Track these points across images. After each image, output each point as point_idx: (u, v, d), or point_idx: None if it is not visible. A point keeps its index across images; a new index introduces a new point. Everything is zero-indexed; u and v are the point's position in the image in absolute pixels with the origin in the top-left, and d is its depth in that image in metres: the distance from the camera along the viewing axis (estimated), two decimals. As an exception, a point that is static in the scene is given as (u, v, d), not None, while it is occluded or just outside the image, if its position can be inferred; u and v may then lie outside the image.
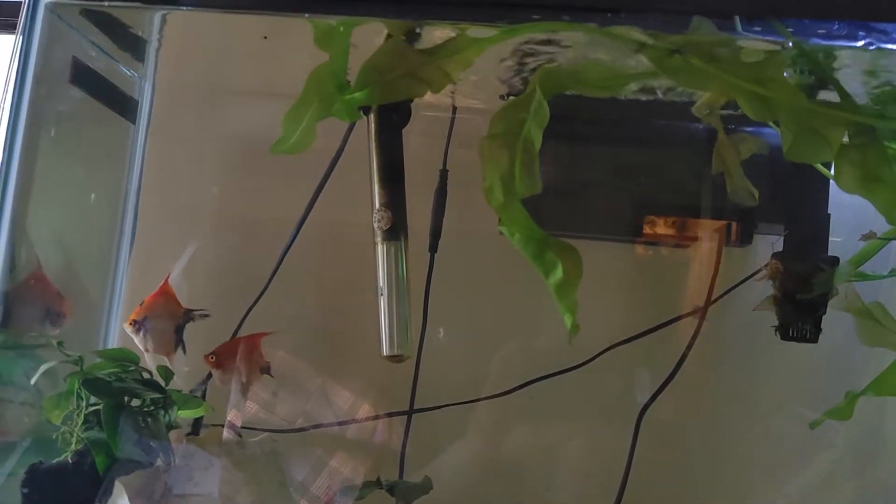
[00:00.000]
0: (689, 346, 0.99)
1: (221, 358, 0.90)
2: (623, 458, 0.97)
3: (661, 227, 0.99)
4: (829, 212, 0.87)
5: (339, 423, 1.00)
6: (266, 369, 0.92)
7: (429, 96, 1.05)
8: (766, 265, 0.88)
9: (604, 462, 1.00)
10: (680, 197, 0.97)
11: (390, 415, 1.02)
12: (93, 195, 0.99)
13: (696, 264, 1.01)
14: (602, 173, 0.99)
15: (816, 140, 0.69)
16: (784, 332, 0.86)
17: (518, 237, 0.73)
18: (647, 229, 0.99)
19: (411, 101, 0.92)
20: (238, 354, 0.90)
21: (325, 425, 1.00)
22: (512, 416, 1.02)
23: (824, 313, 0.86)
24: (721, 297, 0.99)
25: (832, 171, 0.83)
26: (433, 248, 1.02)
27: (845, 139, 0.70)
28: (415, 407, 1.02)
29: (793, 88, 0.70)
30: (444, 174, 1.02)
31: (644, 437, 0.98)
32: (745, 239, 0.98)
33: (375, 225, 0.89)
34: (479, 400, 1.01)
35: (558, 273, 0.72)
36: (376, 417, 1.01)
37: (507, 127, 0.74)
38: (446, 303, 1.02)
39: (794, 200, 0.88)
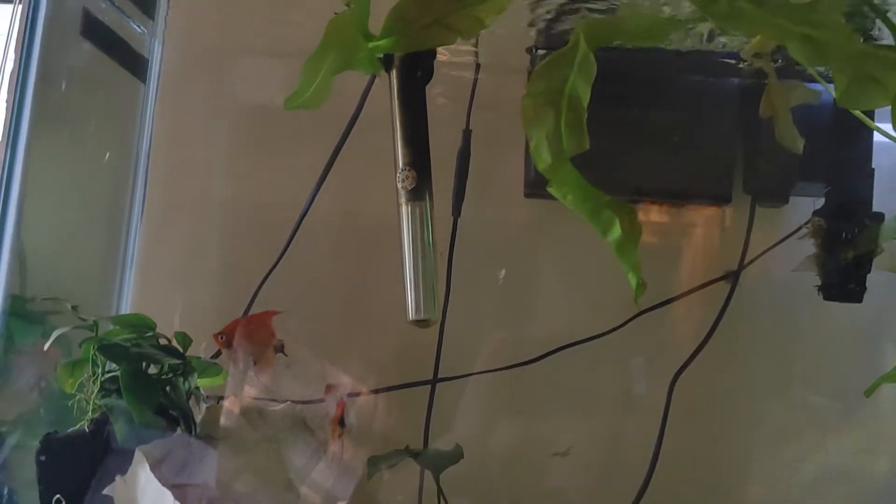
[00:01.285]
0: (722, 311, 0.97)
1: (231, 337, 0.86)
2: (653, 427, 0.95)
3: (693, 188, 0.96)
4: (873, 167, 0.84)
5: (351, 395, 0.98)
6: (280, 348, 0.89)
7: (451, 54, 1.03)
8: (807, 223, 0.86)
9: (634, 431, 0.97)
10: (714, 156, 0.94)
11: (413, 384, 0.99)
12: (107, 153, 0.95)
13: (728, 226, 0.98)
14: (633, 133, 0.95)
15: (871, 85, 0.65)
16: (827, 291, 0.83)
17: (571, 198, 0.69)
18: (677, 190, 0.97)
19: (434, 57, 0.88)
20: (247, 333, 0.87)
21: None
22: (538, 386, 0.99)
23: (869, 271, 0.83)
24: (756, 258, 0.97)
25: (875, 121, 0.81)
26: (456, 212, 0.98)
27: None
28: (439, 376, 0.99)
29: (847, 31, 0.67)
30: (467, 134, 0.99)
31: (676, 404, 0.95)
32: (779, 199, 0.95)
33: (399, 185, 0.85)
34: (504, 368, 0.97)
35: (616, 231, 0.68)
36: (400, 387, 0.99)
37: (549, 84, 0.70)
38: (469, 268, 0.99)
39: (836, 156, 0.84)
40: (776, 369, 0.97)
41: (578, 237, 1.02)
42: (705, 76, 0.92)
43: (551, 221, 1.01)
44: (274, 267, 0.98)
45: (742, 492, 0.97)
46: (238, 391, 0.85)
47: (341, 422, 0.86)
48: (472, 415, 0.99)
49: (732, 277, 0.97)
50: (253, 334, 0.85)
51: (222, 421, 0.81)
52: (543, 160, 0.68)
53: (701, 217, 0.99)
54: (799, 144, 0.75)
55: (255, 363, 0.84)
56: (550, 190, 0.69)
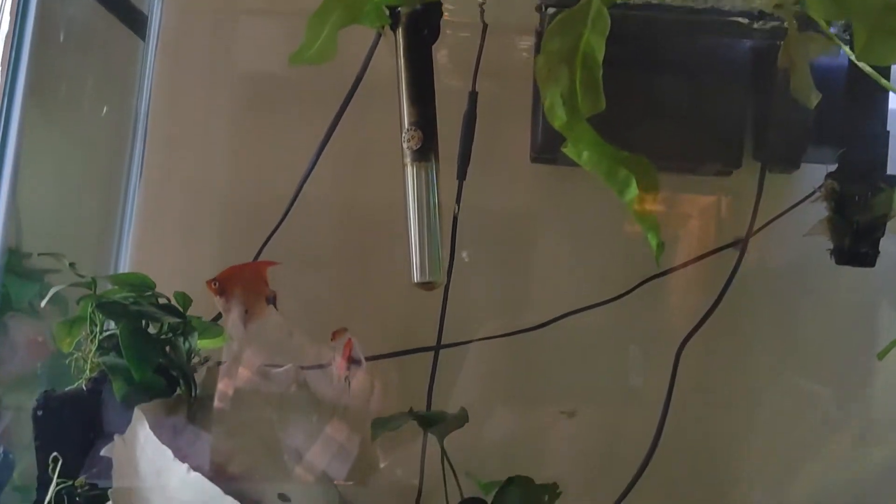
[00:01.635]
0: (731, 279, 0.96)
1: (224, 284, 0.83)
2: (660, 393, 0.94)
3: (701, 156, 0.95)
4: (888, 129, 0.83)
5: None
6: (272, 299, 0.86)
7: (457, 15, 1.01)
8: (820, 186, 0.84)
9: (640, 397, 0.96)
10: (724, 122, 0.92)
11: (416, 350, 0.98)
12: (105, 109, 0.93)
13: (739, 193, 0.97)
14: (640, 98, 0.93)
15: (893, 39, 0.64)
16: (839, 255, 0.82)
17: (587, 156, 0.67)
18: (685, 157, 0.95)
19: (441, 15, 0.87)
20: (242, 282, 0.85)
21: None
22: (546, 350, 0.97)
23: (882, 235, 0.81)
24: (765, 225, 0.95)
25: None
26: (462, 175, 0.97)
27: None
28: (442, 342, 0.97)
29: (868, -17, 0.65)
30: (473, 96, 0.97)
31: (682, 371, 0.94)
32: (792, 164, 0.93)
33: (405, 145, 0.84)
34: (509, 335, 0.96)
35: (633, 189, 0.66)
36: (402, 353, 0.97)
37: (563, 42, 0.68)
38: (475, 232, 0.97)
39: (850, 118, 0.83)
40: (784, 337, 0.96)
41: (585, 203, 1.01)
42: (716, 38, 0.89)
43: (558, 187, 1.00)
44: (276, 229, 0.97)
45: (748, 458, 0.96)
46: (240, 352, 0.84)
47: (351, 361, 0.84)
48: (476, 381, 0.98)
49: (741, 244, 0.95)
50: (246, 283, 0.83)
51: (222, 382, 0.80)
52: (559, 118, 0.66)
53: (710, 184, 0.98)
54: (814, 99, 0.73)
55: (246, 312, 0.82)
56: (566, 150, 0.67)
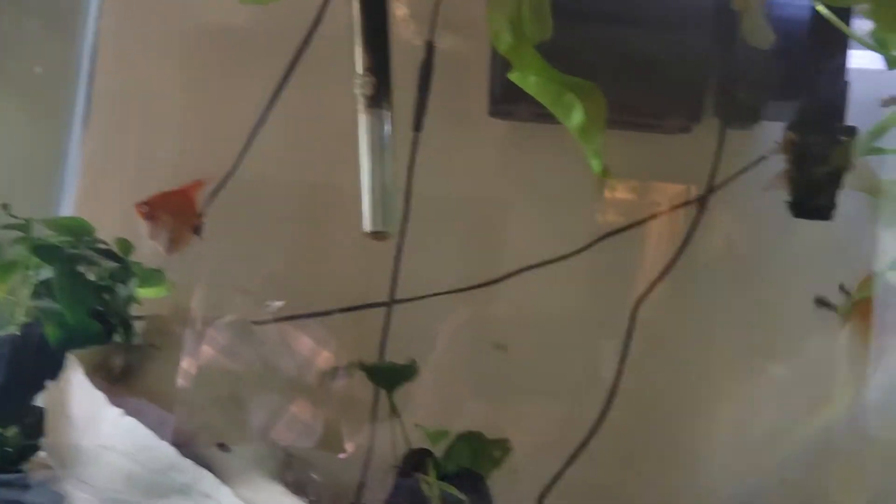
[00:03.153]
0: (689, 236, 0.95)
1: (154, 208, 0.79)
2: (616, 349, 0.93)
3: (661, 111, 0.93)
4: (847, 80, 0.82)
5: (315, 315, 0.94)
6: (198, 228, 0.83)
7: None
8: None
9: (596, 352, 0.95)
10: (681, 76, 0.90)
11: (369, 306, 0.96)
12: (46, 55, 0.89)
13: (697, 150, 0.95)
14: (599, 51, 0.91)
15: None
16: (796, 208, 0.81)
17: (533, 81, 0.66)
18: (645, 111, 0.93)
19: (396, -42, 0.85)
20: (171, 207, 0.80)
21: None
22: (501, 307, 0.96)
23: (840, 188, 0.80)
24: (725, 183, 0.94)
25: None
26: (418, 126, 0.94)
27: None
28: (396, 297, 0.95)
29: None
30: (430, 47, 0.94)
31: (639, 328, 0.93)
32: (749, 120, 0.92)
33: (357, 91, 0.81)
34: (466, 289, 0.94)
35: (579, 115, 0.65)
36: (355, 308, 0.95)
37: (512, -34, 0.67)
38: (432, 185, 0.95)
39: (810, 69, 0.81)
40: (742, 293, 0.95)
41: (544, 159, 1.00)
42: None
43: (517, 142, 0.98)
44: (224, 181, 0.94)
45: (704, 415, 0.95)
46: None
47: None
48: (433, 337, 0.96)
49: (700, 201, 0.94)
50: (176, 209, 0.79)
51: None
52: (504, 42, 0.65)
53: (670, 141, 0.96)
54: (768, 40, 0.72)
55: (171, 240, 0.79)
56: (512, 77, 0.66)
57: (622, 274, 0.96)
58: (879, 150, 0.82)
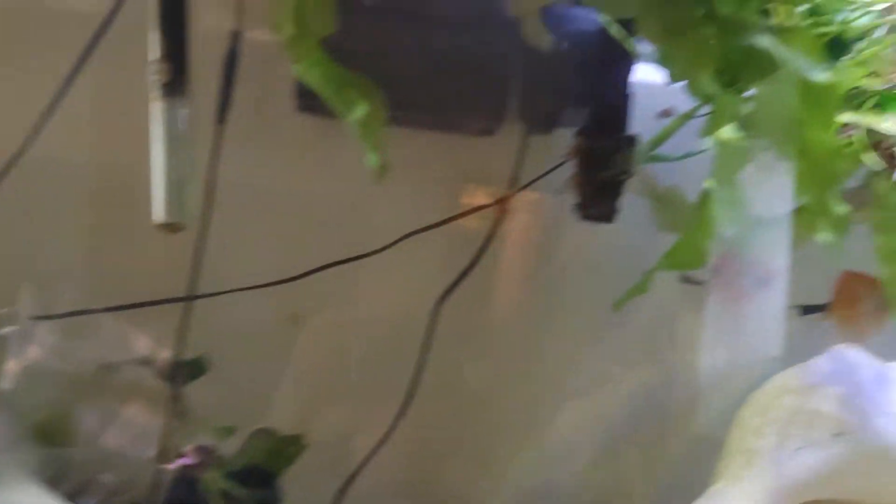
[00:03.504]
0: (489, 237, 0.97)
1: None
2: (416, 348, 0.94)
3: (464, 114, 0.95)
4: (631, 90, 0.86)
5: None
6: None
7: None
8: (571, 144, 0.87)
9: (399, 350, 0.96)
10: (482, 78, 0.92)
11: (166, 301, 0.93)
12: None
13: (500, 153, 0.98)
14: (400, 50, 0.92)
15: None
16: (582, 211, 0.85)
17: (314, 73, 0.66)
18: (447, 115, 0.95)
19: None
20: None
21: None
22: (306, 303, 0.95)
23: (622, 193, 0.85)
24: (526, 186, 0.98)
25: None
26: (221, 119, 0.92)
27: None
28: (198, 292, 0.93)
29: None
30: (235, 35, 0.92)
31: (440, 328, 0.95)
32: (548, 125, 0.96)
33: (152, 78, 0.79)
34: (268, 285, 0.93)
35: (360, 110, 0.67)
36: (151, 304, 0.92)
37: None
38: (236, 179, 0.93)
39: (599, 78, 0.86)
40: (541, 291, 0.99)
41: (352, 154, 0.99)
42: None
43: (325, 136, 0.97)
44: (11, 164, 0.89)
45: (505, 412, 0.99)
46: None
47: None
48: (238, 333, 0.95)
49: (502, 204, 0.97)
50: None
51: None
52: (286, 32, 0.65)
53: (473, 143, 0.99)
54: (548, 45, 0.75)
55: None
56: (295, 69, 0.66)
57: (427, 273, 0.98)
58: (659, 158, 0.88)
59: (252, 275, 0.94)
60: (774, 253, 0.89)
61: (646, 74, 0.86)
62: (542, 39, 0.75)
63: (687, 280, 0.91)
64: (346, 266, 0.93)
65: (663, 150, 0.88)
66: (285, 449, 0.83)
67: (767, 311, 0.92)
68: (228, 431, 0.77)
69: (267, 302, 0.94)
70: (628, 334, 0.96)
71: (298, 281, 0.93)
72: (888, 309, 0.84)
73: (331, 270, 0.93)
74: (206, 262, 0.93)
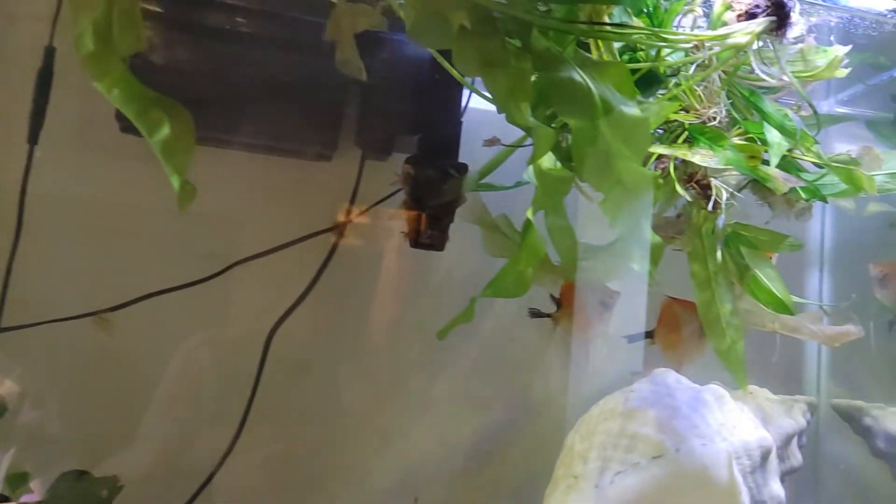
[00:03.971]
0: (325, 263, 0.96)
1: None
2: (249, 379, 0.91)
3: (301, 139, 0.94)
4: (461, 119, 0.87)
5: None
6: None
7: None
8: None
9: (230, 380, 0.92)
10: (319, 105, 0.91)
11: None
12: None
13: (337, 178, 0.97)
14: (236, 77, 0.90)
15: (438, 22, 0.66)
16: (412, 239, 0.84)
17: (117, 94, 0.63)
18: (282, 140, 0.93)
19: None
20: None
21: None
22: (131, 334, 0.90)
23: (451, 221, 0.85)
24: (364, 212, 0.97)
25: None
26: (33, 140, 0.87)
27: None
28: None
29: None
30: (49, 51, 0.87)
31: (273, 356, 0.92)
32: (383, 152, 0.95)
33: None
34: (86, 315, 0.87)
35: (164, 131, 0.64)
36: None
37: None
38: (52, 205, 0.88)
39: (427, 104, 0.86)
40: (377, 318, 0.98)
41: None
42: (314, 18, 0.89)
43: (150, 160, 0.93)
44: None
45: (340, 442, 0.97)
46: None
47: None
48: (55, 368, 0.89)
49: (338, 230, 0.96)
50: None
51: None
52: (85, 47, 0.61)
53: (311, 169, 0.97)
54: (361, 73, 0.74)
55: None
56: (97, 85, 0.63)
57: (260, 301, 0.95)
58: (489, 187, 0.88)
59: (70, 303, 0.88)
60: (615, 276, 0.92)
61: (482, 103, 0.87)
62: (355, 67, 0.74)
63: (536, 314, 0.93)
64: (175, 294, 0.90)
65: (498, 178, 0.89)
66: (99, 491, 0.78)
67: (617, 332, 0.94)
68: (21, 478, 0.71)
69: (85, 331, 0.89)
70: (462, 362, 0.97)
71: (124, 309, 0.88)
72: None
73: (159, 301, 0.89)
74: (17, 288, 0.87)
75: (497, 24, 0.69)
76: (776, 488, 0.83)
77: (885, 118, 1.06)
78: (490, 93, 0.70)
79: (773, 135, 0.77)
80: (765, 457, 0.82)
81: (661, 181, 0.77)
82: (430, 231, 0.83)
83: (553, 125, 0.76)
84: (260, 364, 0.92)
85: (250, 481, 0.92)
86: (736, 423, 0.82)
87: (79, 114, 0.90)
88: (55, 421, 0.88)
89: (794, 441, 0.91)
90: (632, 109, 0.69)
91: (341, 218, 0.95)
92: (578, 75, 0.68)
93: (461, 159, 0.89)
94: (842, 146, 0.98)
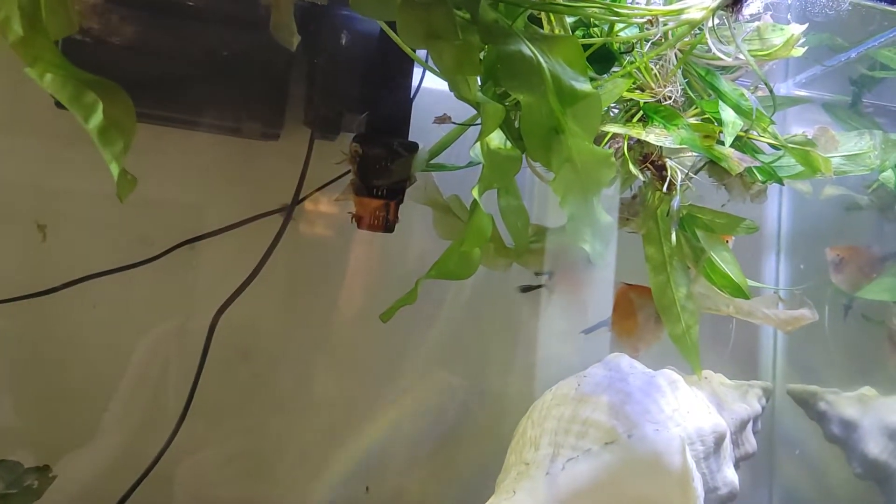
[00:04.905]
0: (273, 245, 0.93)
1: None
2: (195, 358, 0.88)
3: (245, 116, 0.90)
4: (411, 97, 0.84)
5: None
6: None
7: None
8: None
9: (177, 362, 0.89)
10: (262, 82, 0.87)
11: None
12: None
13: (285, 158, 0.94)
14: (180, 55, 0.86)
15: (380, -5, 0.64)
16: (359, 220, 0.82)
17: (50, 78, 0.59)
18: (225, 118, 0.90)
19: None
20: None
21: None
22: (70, 316, 0.87)
23: (402, 202, 0.83)
24: (311, 194, 0.94)
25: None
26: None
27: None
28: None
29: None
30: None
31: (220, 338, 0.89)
32: (332, 131, 0.92)
33: None
34: (18, 299, 0.83)
35: (99, 116, 0.60)
36: None
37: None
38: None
39: (375, 81, 0.83)
40: (326, 299, 0.95)
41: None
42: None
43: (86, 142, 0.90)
44: None
45: (285, 425, 0.94)
46: None
47: None
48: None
49: (287, 210, 0.93)
50: None
51: None
52: (14, 32, 0.57)
53: (260, 148, 0.94)
54: (293, 40, 0.71)
55: None
56: (29, 72, 0.59)
57: (206, 283, 0.92)
58: (440, 167, 0.86)
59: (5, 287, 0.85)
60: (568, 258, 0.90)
61: (438, 82, 0.85)
62: (289, 37, 0.71)
63: (527, 288, 0.91)
64: (116, 276, 0.86)
65: (453, 159, 0.87)
66: (29, 479, 0.74)
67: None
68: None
69: (18, 314, 0.85)
70: (417, 346, 0.96)
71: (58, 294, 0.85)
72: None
73: (100, 282, 0.86)
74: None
75: (445, -6, 0.67)
76: (730, 474, 0.82)
77: (843, 101, 1.06)
78: (436, 66, 0.68)
79: (727, 114, 0.76)
80: (718, 442, 0.81)
81: (614, 161, 0.75)
82: (378, 212, 0.81)
83: (507, 103, 0.74)
84: (203, 350, 0.88)
85: (198, 470, 0.89)
86: (689, 409, 0.80)
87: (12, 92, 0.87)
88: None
89: (749, 426, 0.90)
90: (583, 85, 0.67)
91: (289, 200, 0.93)
92: (528, 49, 0.66)
93: (415, 138, 0.87)
94: (799, 128, 0.98)
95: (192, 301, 0.91)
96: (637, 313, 0.91)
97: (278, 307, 0.94)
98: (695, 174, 0.84)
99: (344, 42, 0.85)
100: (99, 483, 0.86)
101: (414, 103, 0.88)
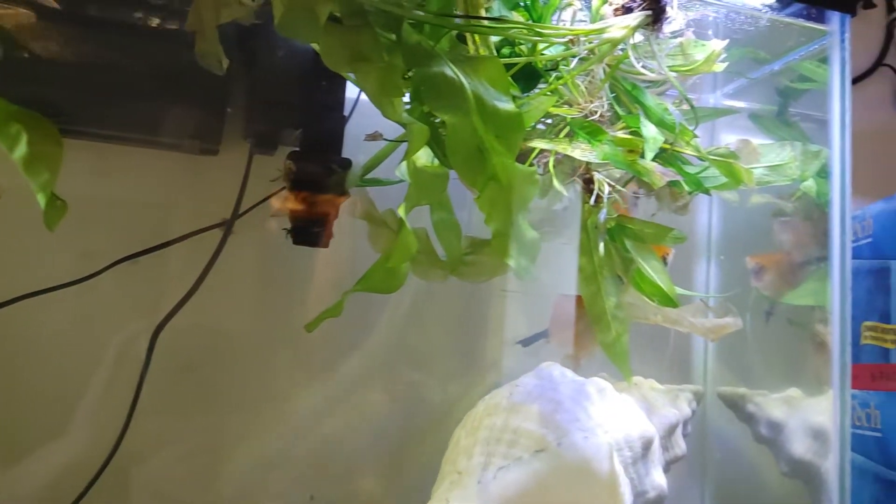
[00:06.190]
0: (212, 260, 0.93)
1: None
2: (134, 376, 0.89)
3: (185, 133, 0.91)
4: (344, 113, 0.86)
5: None
6: None
7: None
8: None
9: (113, 384, 0.90)
10: (198, 98, 0.88)
11: None
12: None
13: (225, 173, 0.95)
14: (115, 69, 0.86)
15: (305, 16, 0.65)
16: (295, 235, 0.83)
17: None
18: (162, 133, 0.90)
19: None
20: None
21: None
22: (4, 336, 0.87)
23: (335, 217, 0.84)
24: (252, 209, 0.95)
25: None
26: None
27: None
28: None
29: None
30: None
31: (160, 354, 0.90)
32: (270, 146, 0.93)
33: None
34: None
35: (23, 147, 0.61)
36: None
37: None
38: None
39: (309, 98, 0.84)
40: (267, 315, 0.96)
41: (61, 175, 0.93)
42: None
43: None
44: None
45: (230, 446, 0.95)
46: None
47: None
48: None
49: (227, 225, 0.93)
50: None
51: None
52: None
53: (198, 163, 0.95)
54: (221, 65, 0.72)
55: None
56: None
57: (146, 300, 0.92)
58: (376, 182, 0.87)
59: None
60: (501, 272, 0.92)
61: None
62: (215, 60, 0.72)
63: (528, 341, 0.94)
64: (54, 294, 0.86)
65: (388, 174, 0.88)
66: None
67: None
68: None
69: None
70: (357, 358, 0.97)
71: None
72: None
73: (37, 302, 0.86)
74: None
75: (368, 17, 0.68)
76: (658, 478, 0.84)
77: (770, 110, 1.09)
78: (361, 88, 0.69)
79: (648, 129, 0.78)
80: (646, 447, 0.84)
81: (537, 178, 0.77)
82: (311, 227, 0.82)
83: (437, 121, 0.76)
84: (145, 363, 0.89)
85: (145, 475, 0.90)
86: (617, 415, 0.83)
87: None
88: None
89: (679, 430, 0.92)
90: (505, 105, 0.69)
91: (227, 215, 0.93)
92: (451, 70, 0.67)
93: (352, 154, 0.88)
94: (729, 137, 1.00)
95: (137, 314, 0.91)
96: (573, 323, 0.93)
97: (219, 319, 0.94)
98: (622, 186, 0.86)
99: (281, 57, 0.86)
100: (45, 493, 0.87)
101: (353, 118, 0.89)
